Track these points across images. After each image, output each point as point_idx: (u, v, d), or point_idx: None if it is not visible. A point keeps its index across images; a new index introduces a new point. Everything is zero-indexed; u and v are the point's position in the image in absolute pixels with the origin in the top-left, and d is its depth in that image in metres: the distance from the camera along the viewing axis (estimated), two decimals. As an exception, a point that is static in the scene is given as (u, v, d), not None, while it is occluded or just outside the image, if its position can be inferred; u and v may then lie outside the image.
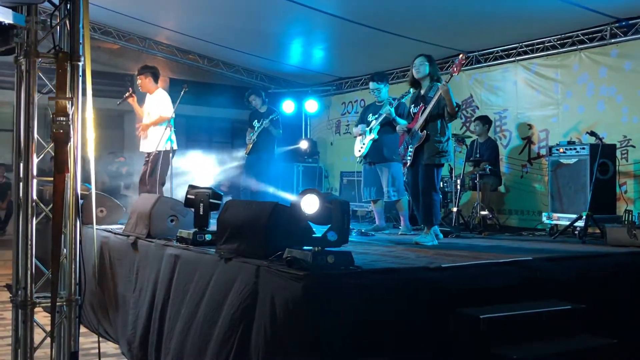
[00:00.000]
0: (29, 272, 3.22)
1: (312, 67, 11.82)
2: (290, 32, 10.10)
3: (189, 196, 5.12)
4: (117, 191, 11.82)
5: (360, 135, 7.37)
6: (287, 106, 12.28)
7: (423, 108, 5.89)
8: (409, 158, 6.04)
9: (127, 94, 7.89)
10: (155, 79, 7.91)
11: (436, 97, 5.77)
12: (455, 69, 5.77)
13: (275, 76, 12.70)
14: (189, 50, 11.86)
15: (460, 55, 5.98)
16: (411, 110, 6.16)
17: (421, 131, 5.87)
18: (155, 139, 7.68)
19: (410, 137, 6.01)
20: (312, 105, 12.46)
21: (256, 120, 9.06)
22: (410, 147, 6.00)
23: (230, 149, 16.73)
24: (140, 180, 7.98)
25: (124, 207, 8.03)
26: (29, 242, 3.21)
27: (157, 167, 7.60)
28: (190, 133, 16.98)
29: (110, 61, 13.45)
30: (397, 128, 6.42)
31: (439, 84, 5.89)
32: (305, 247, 3.78)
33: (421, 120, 5.87)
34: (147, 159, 7.81)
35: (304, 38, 10.47)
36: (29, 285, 3.23)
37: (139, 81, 7.89)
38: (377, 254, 4.97)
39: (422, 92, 6.05)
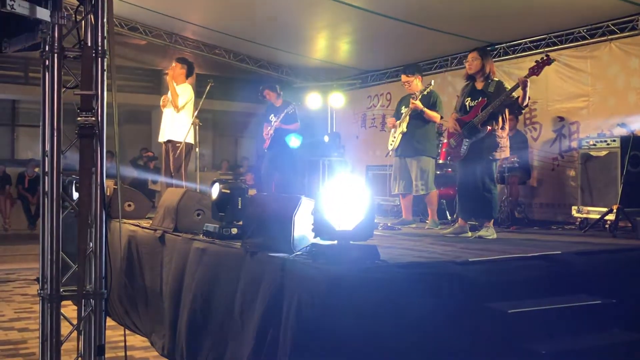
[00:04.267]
0: (55, 266, 3.24)
1: (337, 61, 11.79)
2: (315, 25, 10.08)
3: (223, 190, 5.09)
4: (145, 186, 11.96)
5: (393, 127, 7.33)
6: (313, 100, 12.24)
7: (484, 103, 5.78)
8: (463, 151, 5.92)
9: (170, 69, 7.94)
10: (189, 74, 8.01)
11: (506, 94, 5.69)
12: (536, 71, 5.70)
13: (300, 70, 12.68)
14: (215, 45, 11.89)
15: (545, 57, 5.87)
16: (467, 103, 6.00)
17: (482, 126, 5.78)
18: (180, 129, 7.73)
19: (467, 130, 5.87)
20: (337, 99, 12.41)
21: (273, 115, 9.06)
22: (467, 140, 5.88)
23: (257, 142, 16.83)
24: (165, 172, 8.02)
25: (152, 201, 8.10)
26: (56, 236, 3.23)
27: (184, 160, 7.67)
28: (216, 127, 17.10)
29: (137, 57, 13.60)
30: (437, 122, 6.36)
31: (496, 79, 5.92)
32: (330, 241, 3.77)
33: (482, 115, 5.75)
34: (168, 149, 7.86)
35: (330, 31, 10.43)
36: (55, 279, 3.26)
37: (172, 66, 7.95)
38: (403, 247, 4.94)
39: (479, 86, 5.96)
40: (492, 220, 6.01)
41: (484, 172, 5.84)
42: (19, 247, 10.37)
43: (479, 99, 5.85)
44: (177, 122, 7.80)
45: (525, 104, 5.74)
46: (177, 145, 7.74)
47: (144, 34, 11.37)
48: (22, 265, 9.66)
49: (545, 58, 5.83)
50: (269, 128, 9.02)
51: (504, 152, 5.94)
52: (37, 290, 3.48)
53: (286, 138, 9.01)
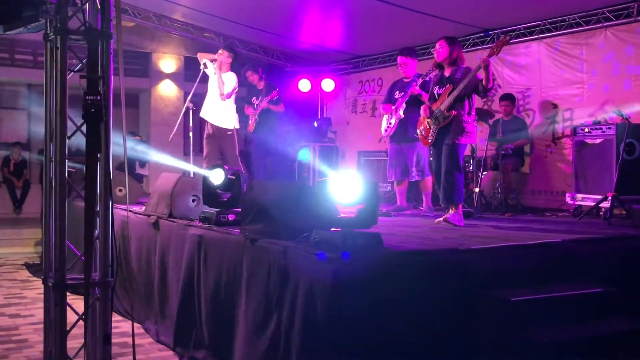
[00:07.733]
0: (61, 254, 3.15)
1: (329, 45, 11.68)
2: (307, 9, 9.96)
3: (230, 177, 5.05)
4: (132, 169, 11.83)
5: (387, 114, 7.27)
6: (303, 85, 12.16)
7: (450, 89, 5.81)
8: (431, 138, 5.98)
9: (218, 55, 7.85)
10: (233, 62, 7.91)
11: (470, 77, 5.69)
12: (496, 50, 5.69)
13: (291, 54, 12.56)
14: (204, 28, 11.72)
15: (502, 37, 5.99)
16: (435, 91, 6.06)
17: (448, 111, 5.79)
18: (226, 116, 7.78)
19: (434, 117, 5.92)
20: (328, 84, 12.33)
21: (255, 97, 8.99)
22: (434, 126, 5.93)
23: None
24: (206, 158, 7.92)
25: (142, 186, 8.00)
26: (61, 224, 3.14)
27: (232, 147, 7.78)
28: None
29: (125, 39, 13.34)
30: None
31: (464, 66, 5.91)
32: (332, 229, 3.74)
33: (449, 100, 5.79)
34: (218, 133, 7.82)
35: (321, 15, 10.32)
36: (61, 268, 3.17)
37: (220, 52, 7.82)
38: (403, 235, 4.93)
39: (447, 74, 5.98)
40: (459, 206, 5.83)
41: (448, 156, 5.82)
42: (4, 232, 10.22)
43: (446, 86, 5.89)
44: (222, 109, 7.77)
45: (490, 85, 5.70)
46: (229, 133, 7.79)
47: (132, 16, 11.17)
48: (8, 250, 9.57)
49: (502, 37, 5.98)
50: (254, 112, 8.98)
51: (470, 138, 5.92)
52: (28, 276, 3.42)
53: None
